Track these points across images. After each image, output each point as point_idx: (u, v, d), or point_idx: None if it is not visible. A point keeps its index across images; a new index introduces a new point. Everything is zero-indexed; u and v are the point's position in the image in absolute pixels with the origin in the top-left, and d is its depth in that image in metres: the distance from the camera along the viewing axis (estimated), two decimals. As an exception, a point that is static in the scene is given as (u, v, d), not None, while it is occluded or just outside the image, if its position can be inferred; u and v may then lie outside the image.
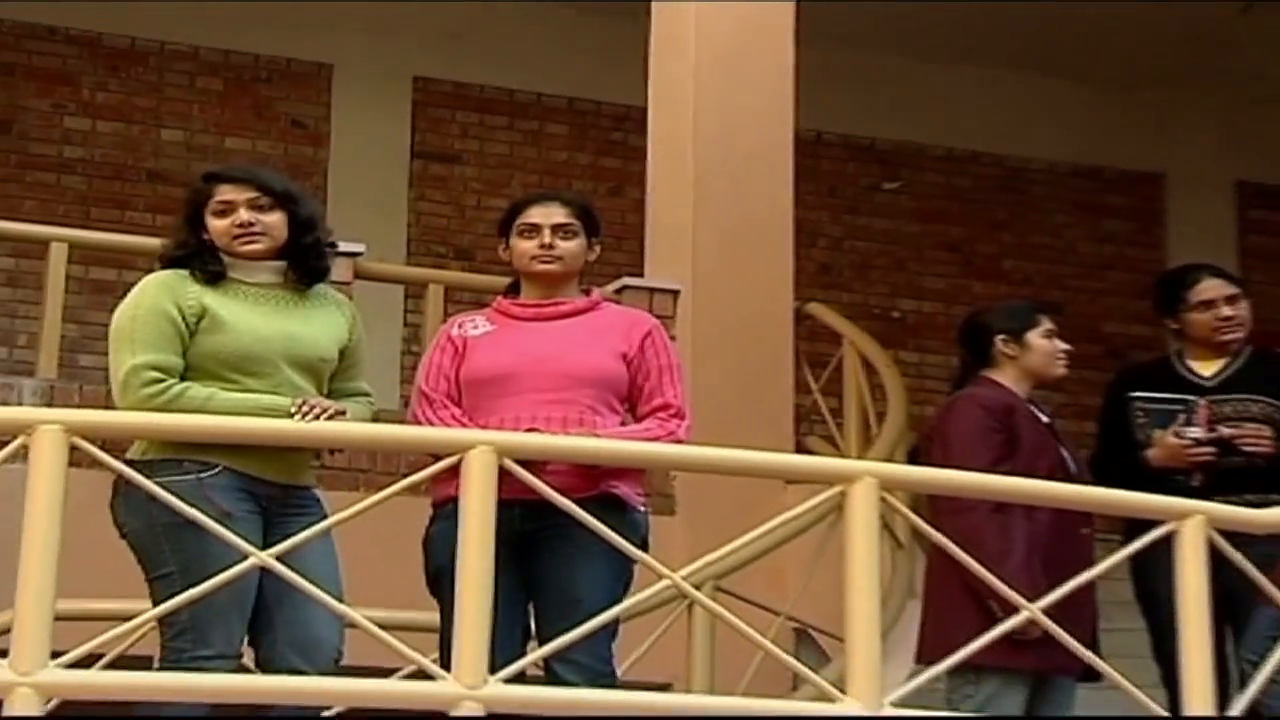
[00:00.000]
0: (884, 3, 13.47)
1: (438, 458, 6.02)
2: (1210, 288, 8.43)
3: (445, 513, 6.30)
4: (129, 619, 6.11)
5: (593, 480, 6.50)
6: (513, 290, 7.05)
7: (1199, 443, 8.02)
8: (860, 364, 11.57)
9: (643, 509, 6.75)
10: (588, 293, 7.08)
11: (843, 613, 6.20)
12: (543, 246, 6.91)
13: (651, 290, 10.77)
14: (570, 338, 6.87)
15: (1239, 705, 6.62)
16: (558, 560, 6.44)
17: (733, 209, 11.16)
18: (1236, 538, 6.67)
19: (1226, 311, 8.35)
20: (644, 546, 6.43)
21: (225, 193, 6.65)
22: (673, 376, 6.90)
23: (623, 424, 6.79)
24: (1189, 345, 8.44)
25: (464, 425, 6.64)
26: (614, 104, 13.53)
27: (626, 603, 6.58)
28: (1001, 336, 7.78)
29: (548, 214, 6.98)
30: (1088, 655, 6.71)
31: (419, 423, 6.84)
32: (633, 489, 6.74)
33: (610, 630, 6.45)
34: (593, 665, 6.41)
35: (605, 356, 6.82)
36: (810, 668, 7.08)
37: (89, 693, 5.79)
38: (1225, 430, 8.08)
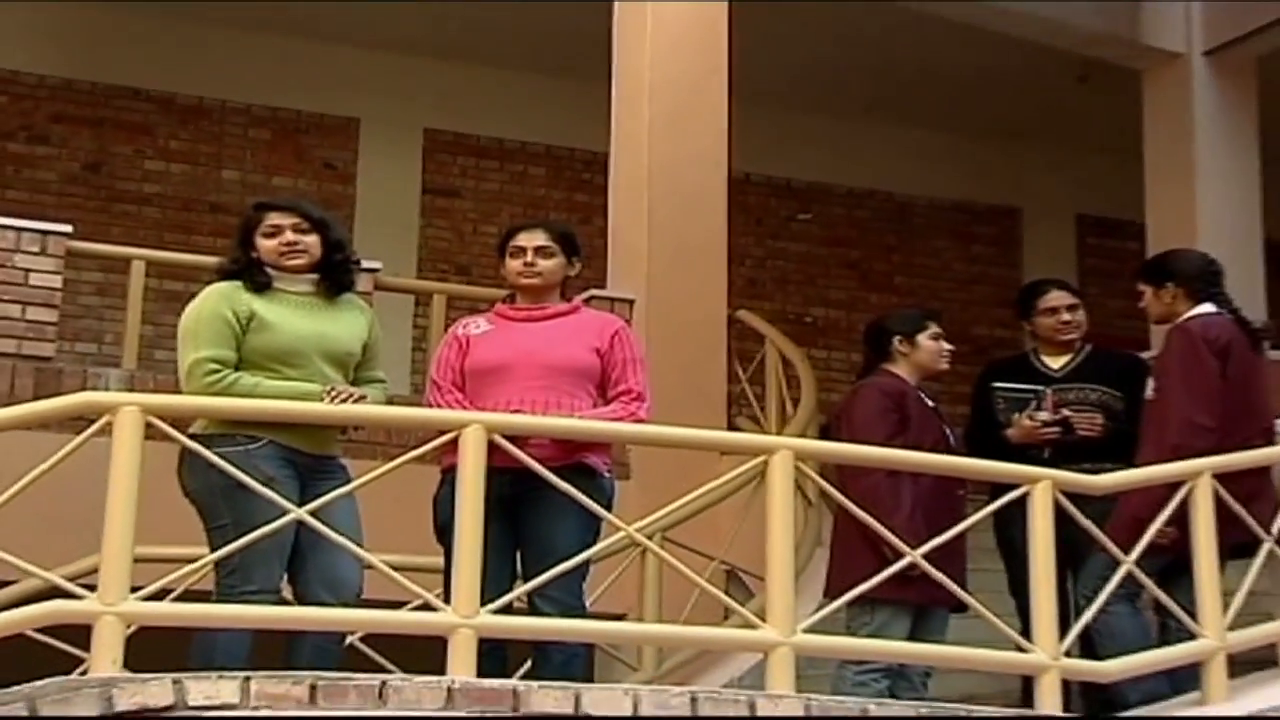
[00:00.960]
0: (799, 72, 13.46)
1: (442, 433, 6.09)
2: (1055, 298, 8.49)
3: (449, 478, 6.27)
4: (191, 562, 6.14)
5: (569, 451, 6.50)
6: (510, 298, 7.05)
7: (1046, 424, 8.06)
8: (779, 359, 11.55)
9: (608, 475, 6.73)
10: (569, 300, 7.08)
11: (764, 557, 6.22)
12: (526, 264, 6.92)
13: (612, 299, 10.75)
14: (553, 336, 6.87)
15: (1074, 631, 6.66)
16: (539, 517, 6.41)
17: (678, 234, 11.15)
18: (1076, 498, 6.73)
19: (1066, 317, 8.43)
20: (609, 506, 6.48)
21: (273, 218, 6.65)
22: (635, 367, 6.89)
23: (595, 406, 6.77)
24: (1041, 344, 8.48)
25: (465, 407, 6.62)
26: (584, 150, 13.48)
27: (592, 550, 6.58)
28: (898, 337, 7.78)
29: (531, 238, 6.98)
30: (958, 591, 6.75)
31: (431, 405, 6.83)
32: (601, 459, 6.72)
33: (581, 572, 6.45)
34: (565, 600, 6.38)
35: (582, 351, 6.82)
36: (738, 602, 7.08)
37: (160, 620, 5.79)
38: (1066, 413, 8.11)
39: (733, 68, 11.49)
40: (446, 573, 6.22)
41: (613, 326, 6.99)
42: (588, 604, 6.95)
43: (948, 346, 7.86)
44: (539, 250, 6.95)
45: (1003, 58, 13.00)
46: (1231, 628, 6.94)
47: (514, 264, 6.98)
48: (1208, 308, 7.79)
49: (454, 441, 5.96)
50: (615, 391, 6.80)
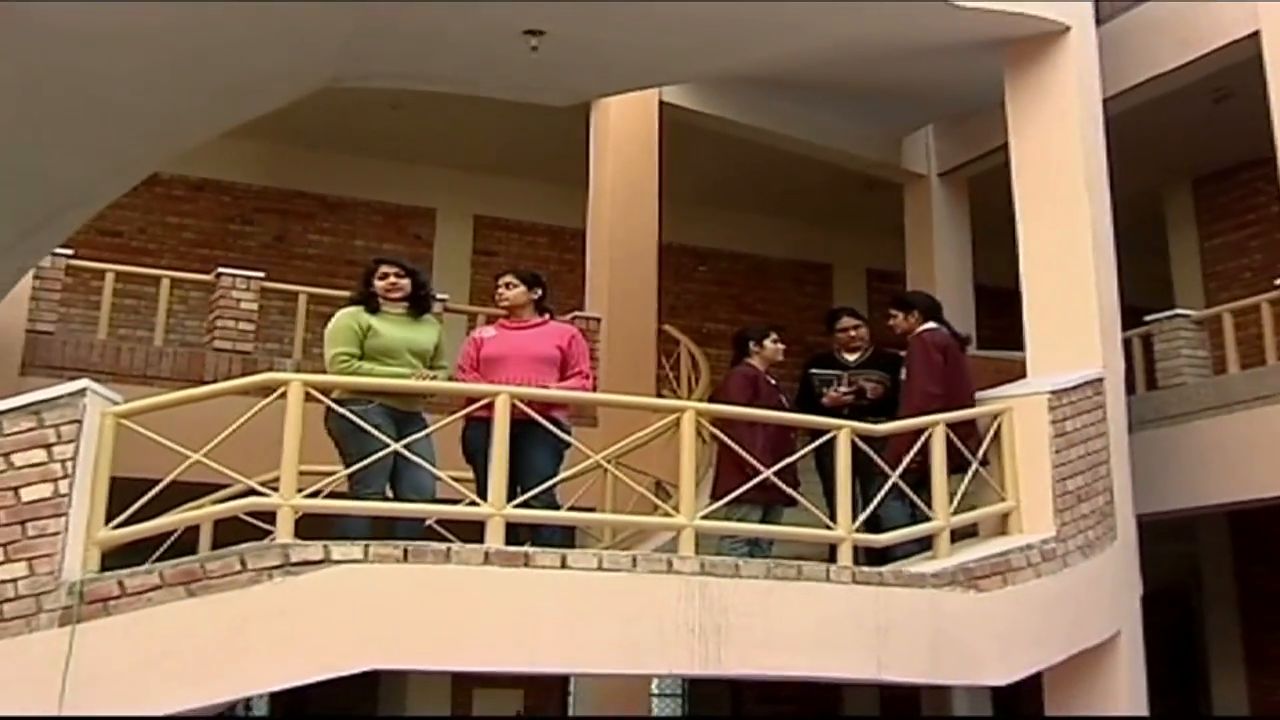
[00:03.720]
0: (701, 179, 13.47)
1: (475, 400, 6.13)
2: (845, 322, 8.47)
3: (474, 425, 6.38)
4: (332, 475, 6.14)
5: (549, 409, 6.52)
6: (506, 315, 7.13)
7: (848, 393, 8.08)
8: (689, 355, 11.56)
9: (568, 424, 6.80)
10: (540, 314, 7.11)
11: (678, 473, 6.26)
12: (499, 294, 7.11)
13: (587, 317, 10.79)
14: (534, 338, 6.95)
15: (862, 517, 6.71)
16: (529, 448, 6.36)
17: (627, 278, 11.19)
18: (864, 439, 6.77)
19: (852, 333, 8.39)
20: (567, 443, 6.58)
21: (384, 269, 6.74)
22: (584, 358, 6.99)
23: (559, 382, 6.86)
24: (840, 347, 8.47)
25: (480, 381, 6.71)
26: (571, 227, 13.34)
27: (571, 471, 6.64)
28: (752, 342, 7.83)
29: (503, 279, 7.13)
30: (792, 494, 6.80)
31: (460, 380, 6.87)
32: (565, 414, 6.81)
33: (553, 484, 6.48)
34: (547, 499, 6.41)
35: (551, 348, 6.91)
36: (662, 500, 7.11)
37: (315, 509, 5.83)
38: (861, 384, 8.13)
39: (662, 177, 11.53)
40: (478, 483, 6.26)
41: (570, 333, 7.08)
42: (566, 504, 6.98)
43: (782, 347, 7.91)
44: (506, 285, 7.07)
45: (822, 174, 13.01)
46: (953, 514, 7.04)
47: (498, 294, 7.13)
48: (933, 325, 7.90)
49: (486, 405, 6.02)
50: (571, 372, 6.88)
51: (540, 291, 7.12)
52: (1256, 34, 9.51)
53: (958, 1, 7.80)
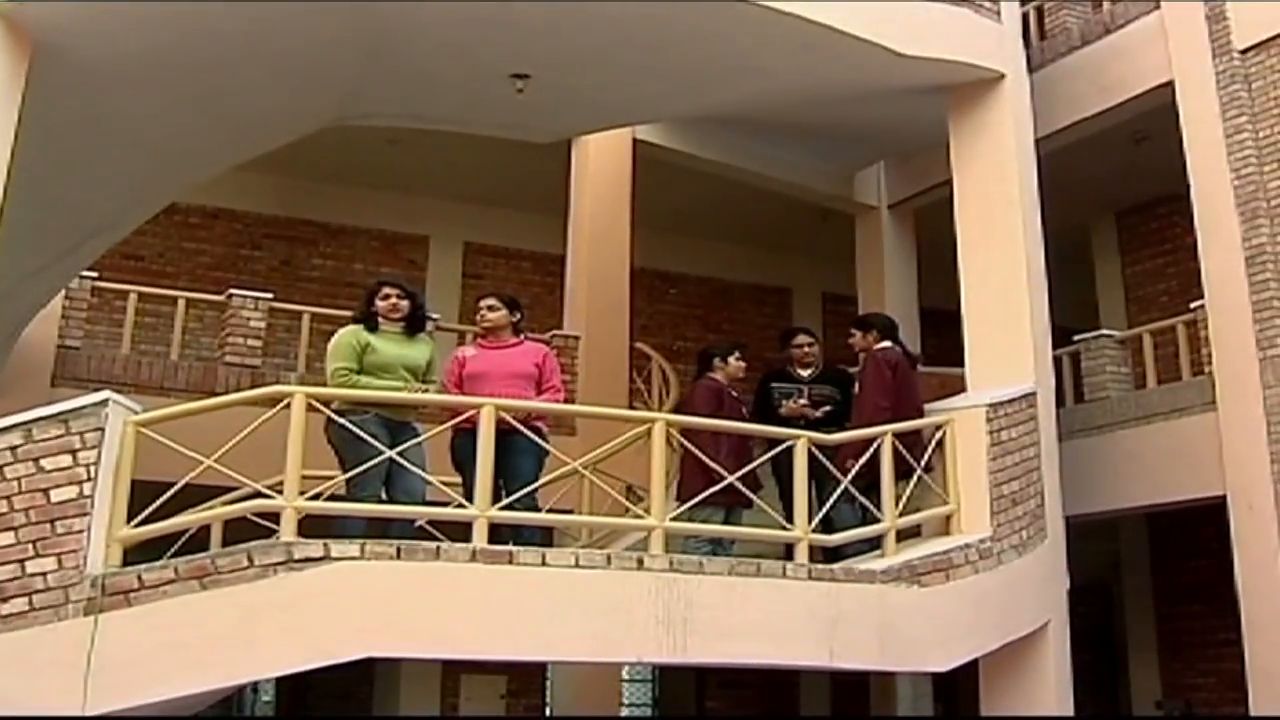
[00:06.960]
0: (670, 209, 13.48)
1: (459, 412, 6.13)
2: (800, 339, 8.46)
3: (461, 435, 6.38)
4: (331, 479, 6.13)
5: (529, 420, 6.53)
6: (486, 335, 7.14)
7: (805, 406, 8.07)
8: (660, 370, 11.57)
9: (546, 432, 6.77)
10: (516, 335, 7.12)
11: (649, 478, 6.27)
12: (481, 316, 7.10)
13: (566, 336, 10.79)
14: (512, 356, 6.96)
15: (816, 519, 6.72)
16: (512, 455, 6.34)
17: (603, 300, 11.19)
18: (819, 447, 6.77)
19: (805, 350, 8.37)
20: (547, 451, 6.54)
21: (385, 290, 6.72)
22: (556, 375, 7.00)
23: (536, 396, 6.85)
24: (794, 363, 8.45)
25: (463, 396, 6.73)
26: (552, 253, 13.36)
27: (551, 476, 6.62)
28: (717, 357, 7.83)
29: (486, 301, 7.14)
30: (751, 496, 6.82)
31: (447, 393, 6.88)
32: (545, 424, 6.78)
33: (535, 488, 6.47)
34: (527, 502, 6.36)
35: (528, 365, 6.92)
36: (633, 503, 7.12)
37: (316, 510, 5.80)
38: (817, 397, 8.13)
39: (635, 207, 11.55)
40: (465, 487, 6.26)
41: (543, 351, 7.11)
42: (546, 505, 6.97)
43: (744, 365, 7.90)
44: (489, 308, 7.08)
45: (782, 205, 13.04)
46: (900, 516, 7.06)
47: (479, 316, 7.13)
48: (887, 343, 7.91)
49: (471, 416, 6.01)
50: (546, 387, 6.89)
51: (519, 315, 7.14)
52: (1170, 83, 9.67)
53: (905, 51, 7.86)
